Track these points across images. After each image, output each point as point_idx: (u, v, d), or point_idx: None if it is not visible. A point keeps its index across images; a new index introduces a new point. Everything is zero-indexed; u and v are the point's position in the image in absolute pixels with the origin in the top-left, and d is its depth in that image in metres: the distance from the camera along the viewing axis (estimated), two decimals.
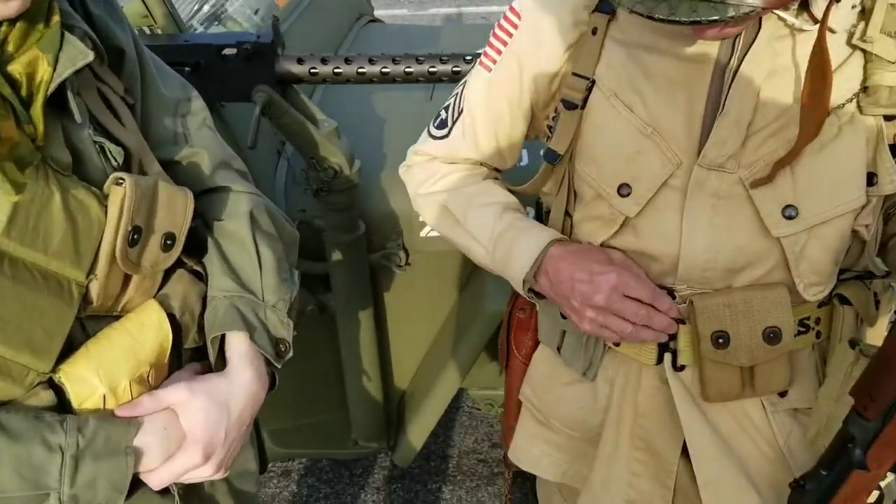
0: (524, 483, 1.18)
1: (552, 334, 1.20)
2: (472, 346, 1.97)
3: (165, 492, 0.95)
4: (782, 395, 1.07)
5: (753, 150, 0.94)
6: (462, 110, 1.15)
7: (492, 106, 1.11)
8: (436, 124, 1.20)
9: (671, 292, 1.02)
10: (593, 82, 1.00)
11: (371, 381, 2.07)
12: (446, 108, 1.19)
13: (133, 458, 0.83)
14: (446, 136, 1.17)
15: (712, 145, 0.94)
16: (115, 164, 0.88)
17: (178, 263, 0.97)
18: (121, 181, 0.84)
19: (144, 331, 0.90)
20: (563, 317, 1.15)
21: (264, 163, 1.91)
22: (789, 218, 0.94)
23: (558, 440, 1.23)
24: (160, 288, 0.95)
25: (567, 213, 1.11)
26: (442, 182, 1.19)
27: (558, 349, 1.19)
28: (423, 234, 1.92)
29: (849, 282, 1.05)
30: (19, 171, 0.75)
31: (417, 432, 2.12)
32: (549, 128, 1.08)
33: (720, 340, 1.00)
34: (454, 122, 1.16)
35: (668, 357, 1.07)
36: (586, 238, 1.08)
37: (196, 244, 1.01)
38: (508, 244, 1.09)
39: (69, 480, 0.78)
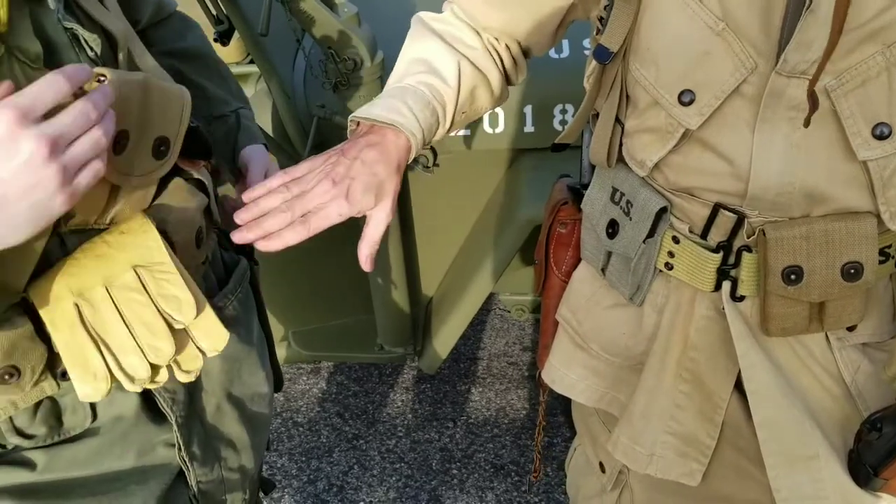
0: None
1: (597, 253, 1.08)
2: (504, 253, 1.87)
3: (162, 419, 0.90)
4: (850, 328, 0.96)
5: (845, 54, 0.79)
6: None
7: None
8: None
9: (741, 217, 0.89)
10: None
11: (397, 285, 2.00)
12: None
13: None
14: None
15: (795, 48, 0.79)
16: (91, 54, 0.78)
17: (175, 171, 0.88)
18: (102, 78, 0.72)
19: (122, 238, 0.81)
20: (609, 237, 1.03)
21: (282, 53, 1.77)
22: (880, 137, 0.80)
23: (596, 365, 1.13)
24: (154, 199, 0.86)
25: (618, 120, 0.97)
26: (425, 28, 1.07)
27: (602, 270, 1.07)
28: (452, 133, 1.77)
29: None
30: None
31: (445, 339, 2.07)
32: (601, 19, 0.92)
33: (792, 276, 0.88)
34: None
35: (726, 285, 0.96)
36: (639, 155, 0.94)
37: (196, 149, 0.92)
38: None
39: None
